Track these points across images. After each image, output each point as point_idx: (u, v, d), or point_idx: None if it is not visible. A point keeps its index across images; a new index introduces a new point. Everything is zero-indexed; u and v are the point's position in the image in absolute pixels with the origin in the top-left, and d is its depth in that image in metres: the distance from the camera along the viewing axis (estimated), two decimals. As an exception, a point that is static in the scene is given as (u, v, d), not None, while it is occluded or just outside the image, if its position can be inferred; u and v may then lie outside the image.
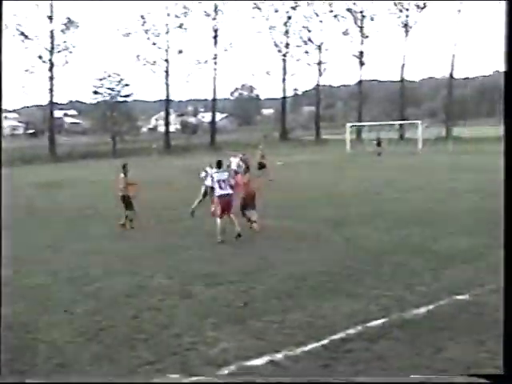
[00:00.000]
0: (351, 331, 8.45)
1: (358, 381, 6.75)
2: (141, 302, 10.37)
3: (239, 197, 16.98)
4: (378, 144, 52.91)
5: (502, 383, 5.20)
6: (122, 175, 18.28)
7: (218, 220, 15.55)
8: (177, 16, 79.25)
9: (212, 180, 16.45)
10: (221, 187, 15.67)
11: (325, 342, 8.08)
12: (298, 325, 8.81)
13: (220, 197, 15.68)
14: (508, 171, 5.43)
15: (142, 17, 78.92)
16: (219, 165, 16.25)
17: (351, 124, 68.52)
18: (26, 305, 10.45)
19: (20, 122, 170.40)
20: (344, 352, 7.70)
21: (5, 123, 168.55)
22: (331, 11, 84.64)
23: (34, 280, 12.24)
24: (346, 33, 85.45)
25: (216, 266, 12.77)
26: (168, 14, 79.00)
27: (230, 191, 15.73)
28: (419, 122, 62.35)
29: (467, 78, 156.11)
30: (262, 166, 31.48)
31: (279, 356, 7.63)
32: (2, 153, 15.66)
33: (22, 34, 71.99)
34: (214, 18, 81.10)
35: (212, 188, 16.58)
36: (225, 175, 15.89)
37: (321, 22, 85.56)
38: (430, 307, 9.46)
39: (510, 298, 5.22)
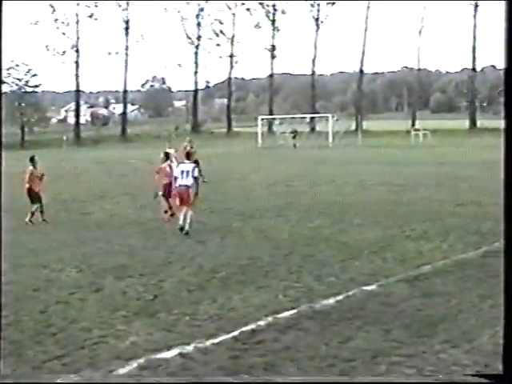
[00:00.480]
0: (261, 322, 8.51)
1: (358, 381, 6.75)
2: (49, 295, 10.10)
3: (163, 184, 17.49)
4: (294, 136, 53.53)
5: (502, 383, 5.26)
6: (31, 168, 17.72)
7: (180, 210, 15.38)
8: (87, 6, 77.61)
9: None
10: (182, 178, 15.42)
11: (235, 333, 8.10)
12: (208, 317, 8.80)
13: (179, 187, 15.46)
14: (508, 172, 5.33)
15: (51, 6, 76.92)
16: (188, 156, 16.18)
17: (263, 117, 69.04)
18: None
19: None
20: (254, 343, 7.75)
21: None
22: (243, 4, 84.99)
23: None
24: (257, 26, 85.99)
25: (126, 259, 12.61)
26: (78, 4, 77.27)
27: (189, 183, 15.45)
28: (330, 115, 63.48)
29: (376, 73, 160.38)
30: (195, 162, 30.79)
31: (189, 348, 7.60)
32: (2, 146, 15.35)
33: None
34: (126, 9, 79.95)
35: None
36: (189, 166, 15.61)
37: (233, 14, 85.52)
38: (339, 298, 9.63)
39: (510, 297, 5.26)
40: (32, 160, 17.85)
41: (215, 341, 7.85)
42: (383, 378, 6.76)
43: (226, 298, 9.72)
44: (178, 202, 15.55)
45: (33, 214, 17.45)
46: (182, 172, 15.47)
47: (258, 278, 10.96)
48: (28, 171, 17.70)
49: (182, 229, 15.09)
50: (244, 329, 8.26)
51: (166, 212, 17.58)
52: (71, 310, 9.30)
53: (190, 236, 14.89)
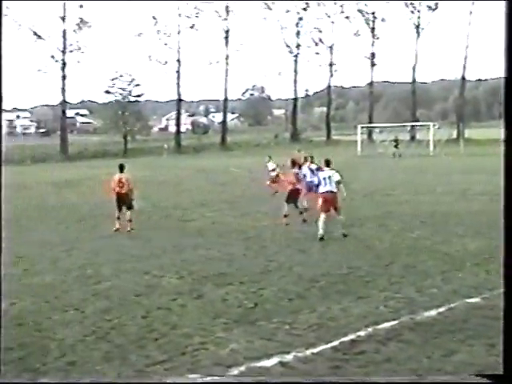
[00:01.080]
0: (361, 333, 8.40)
1: (358, 381, 6.75)
2: (151, 301, 10.36)
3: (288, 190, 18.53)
4: (396, 145, 52.53)
5: (502, 383, 5.22)
6: (120, 175, 18.13)
7: (322, 215, 15.60)
8: (188, 17, 79.40)
9: (314, 176, 17.77)
10: (325, 184, 15.84)
11: (335, 343, 8.03)
12: (308, 326, 8.76)
13: (325, 193, 15.83)
14: (508, 171, 5.45)
15: (154, 17, 79.13)
16: (328, 163, 16.47)
17: (362, 125, 68.31)
18: (36, 303, 10.47)
19: (32, 121, 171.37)
20: (354, 354, 7.65)
21: (17, 122, 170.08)
22: (342, 12, 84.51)
23: (44, 278, 12.27)
24: (357, 34, 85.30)
25: (226, 267, 12.76)
26: (179, 15, 79.15)
27: (334, 188, 15.87)
28: (431, 123, 62.08)
29: (479, 80, 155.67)
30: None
31: (289, 357, 7.58)
32: (2, 153, 15.98)
33: (35, 34, 72.29)
34: (226, 19, 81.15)
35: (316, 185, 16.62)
36: (330, 173, 15.97)
37: (332, 22, 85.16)
38: (441, 310, 9.38)
39: (510, 299, 5.25)
40: (121, 168, 18.36)
41: (315, 350, 7.80)
42: (383, 377, 6.80)
43: (326, 307, 9.66)
44: (323, 207, 15.75)
45: (129, 220, 17.89)
46: (324, 178, 15.88)
47: (358, 287, 10.83)
48: (116, 178, 18.16)
49: (321, 238, 15.32)
50: (344, 339, 8.17)
51: (285, 216, 18.07)
52: (172, 316, 9.49)
53: (289, 245, 14.93)
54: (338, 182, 15.91)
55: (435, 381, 6.56)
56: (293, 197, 18.51)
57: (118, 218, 17.95)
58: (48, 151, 71.83)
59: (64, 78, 74.01)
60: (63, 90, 75.05)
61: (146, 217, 20.51)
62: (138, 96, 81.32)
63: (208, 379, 7.10)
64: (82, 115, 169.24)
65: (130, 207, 18.01)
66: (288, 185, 18.81)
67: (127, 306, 10.10)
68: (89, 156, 69.86)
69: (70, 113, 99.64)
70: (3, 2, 7.13)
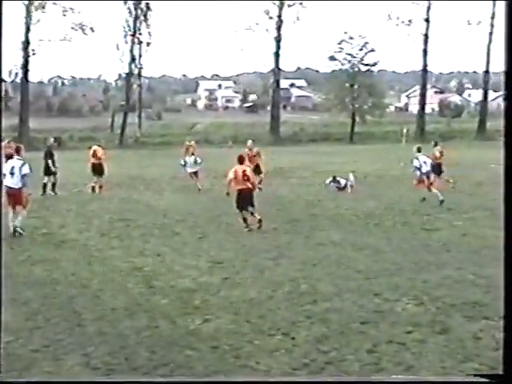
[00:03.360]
0: None
1: (358, 381, 7.22)
2: (380, 332, 10.39)
3: None
4: None
5: (501, 383, 5.94)
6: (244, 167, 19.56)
7: None
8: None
9: None
10: None
11: None
12: None
13: None
14: (508, 172, 6.30)
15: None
16: None
17: None
18: (235, 322, 10.94)
19: (236, 92, 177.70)
20: None
21: (218, 93, 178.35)
22: None
23: (247, 292, 12.78)
24: None
25: (481, 294, 12.44)
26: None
27: None
28: None
29: None
30: None
31: None
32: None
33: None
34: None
35: None
36: None
37: None
38: None
39: (510, 298, 6.09)
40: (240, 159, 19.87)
41: None
42: (383, 377, 7.51)
43: None
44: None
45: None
46: None
47: None
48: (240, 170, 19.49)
49: None
50: None
51: None
52: (406, 354, 9.44)
53: None
54: None
55: (434, 381, 7.13)
56: None
57: (245, 220, 19.30)
58: (254, 131, 74.56)
59: (278, 38, 76.21)
60: (277, 54, 77.39)
61: (377, 220, 20.62)
62: (372, 65, 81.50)
63: (209, 379, 7.56)
64: (298, 87, 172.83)
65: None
66: None
67: (349, 336, 10.21)
68: (305, 139, 71.61)
69: (283, 83, 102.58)
70: (3, 2, 7.73)
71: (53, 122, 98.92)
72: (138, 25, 79.22)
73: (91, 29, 76.84)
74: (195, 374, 8.62)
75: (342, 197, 27.16)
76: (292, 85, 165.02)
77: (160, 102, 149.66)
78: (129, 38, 79.85)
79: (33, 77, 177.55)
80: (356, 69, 79.72)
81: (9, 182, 18.36)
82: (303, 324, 10.82)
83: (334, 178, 29.36)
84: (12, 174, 18.36)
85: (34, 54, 75.89)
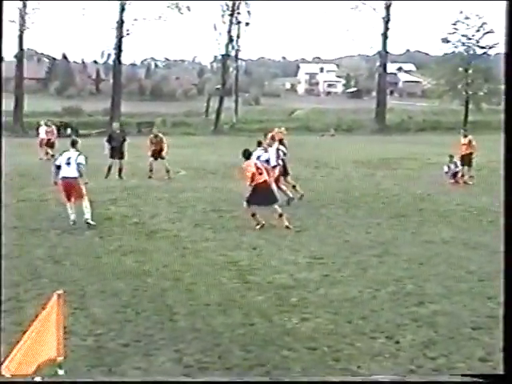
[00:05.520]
0: None
1: (358, 381, 7.30)
2: (494, 338, 10.20)
3: None
4: None
5: (501, 383, 6.23)
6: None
7: None
8: None
9: None
10: None
11: None
12: None
13: None
14: (508, 171, 6.65)
15: None
16: None
17: None
18: (335, 322, 10.93)
19: (338, 76, 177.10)
20: None
21: (320, 77, 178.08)
22: None
23: (348, 291, 12.74)
24: None
25: None
26: None
27: None
28: None
29: None
30: None
31: None
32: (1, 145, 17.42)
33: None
34: None
35: None
36: None
37: None
38: None
39: (510, 298, 6.41)
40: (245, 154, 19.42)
41: None
42: (383, 377, 7.66)
43: None
44: None
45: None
46: None
47: None
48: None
49: None
50: None
51: None
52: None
53: None
54: None
55: (434, 381, 7.25)
56: None
57: (253, 215, 19.02)
58: (358, 118, 74.30)
59: (387, 19, 75.55)
60: (384, 35, 76.81)
61: (492, 217, 20.31)
62: (489, 48, 79.77)
63: (209, 379, 7.64)
64: (406, 71, 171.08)
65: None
66: None
67: (459, 342, 10.09)
68: (413, 128, 70.99)
69: (390, 67, 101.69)
70: (3, 2, 7.82)
71: (145, 106, 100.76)
72: (236, 4, 79.65)
73: (187, 8, 77.78)
74: (292, 376, 8.65)
75: (454, 191, 26.79)
76: (400, 69, 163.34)
77: (258, 86, 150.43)
78: (227, 18, 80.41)
79: (125, 58, 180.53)
80: (471, 52, 78.22)
81: (66, 172, 19.18)
82: (409, 327, 10.74)
83: (451, 157, 29.22)
84: (68, 164, 19.21)
85: (127, 35, 77.28)
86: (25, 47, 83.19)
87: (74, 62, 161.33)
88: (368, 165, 35.64)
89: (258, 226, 18.82)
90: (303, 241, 17.25)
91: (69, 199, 19.27)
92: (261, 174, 19.03)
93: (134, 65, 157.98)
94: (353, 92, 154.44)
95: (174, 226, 19.24)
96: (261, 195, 18.81)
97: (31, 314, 10.42)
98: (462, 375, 7.75)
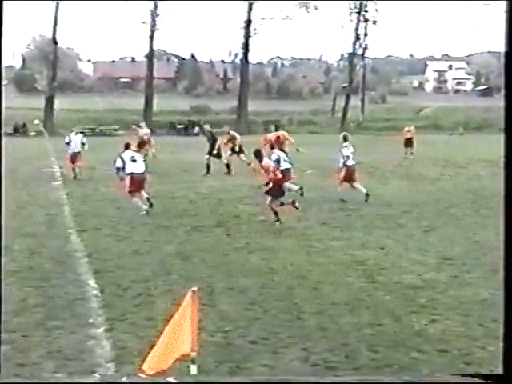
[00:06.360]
0: None
1: (358, 381, 7.01)
2: None
3: None
4: None
5: (501, 383, 6.07)
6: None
7: None
8: None
9: None
10: None
11: None
12: None
13: None
14: (508, 170, 6.51)
15: None
16: None
17: None
18: (466, 325, 10.72)
19: (469, 73, 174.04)
20: None
21: (448, 74, 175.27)
22: None
23: (481, 293, 12.45)
24: None
25: None
26: None
27: None
28: None
29: None
30: None
31: None
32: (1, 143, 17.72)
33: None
34: None
35: None
36: None
37: None
38: None
39: (510, 299, 6.32)
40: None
41: None
42: (383, 377, 7.70)
43: None
44: None
45: None
46: None
47: None
48: None
49: None
50: None
51: None
52: None
53: None
54: None
55: (433, 381, 7.11)
56: None
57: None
58: (488, 116, 72.71)
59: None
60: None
61: None
62: None
63: (208, 379, 7.49)
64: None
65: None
66: None
67: None
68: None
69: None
70: (3, 2, 7.81)
71: (271, 105, 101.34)
72: (364, 2, 79.24)
73: (315, 7, 77.86)
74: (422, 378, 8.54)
75: None
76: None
77: (384, 84, 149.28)
78: (354, 16, 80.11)
79: (252, 57, 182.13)
80: None
81: (133, 168, 20.64)
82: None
83: None
84: (134, 160, 20.71)
85: (255, 34, 77.90)
86: (155, 47, 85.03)
87: (202, 61, 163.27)
88: (498, 164, 34.88)
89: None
90: (431, 241, 17.01)
91: (137, 191, 20.89)
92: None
93: (260, 64, 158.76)
94: (483, 90, 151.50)
95: (301, 224, 19.26)
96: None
97: (162, 309, 10.70)
98: (462, 375, 7.64)
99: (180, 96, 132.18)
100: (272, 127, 30.95)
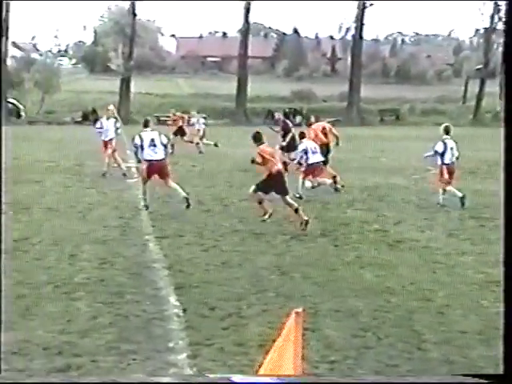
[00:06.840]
0: None
1: (358, 381, 7.21)
2: None
3: None
4: None
5: (501, 383, 6.41)
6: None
7: None
8: None
9: None
10: None
11: None
12: None
13: None
14: (508, 171, 7.48)
15: None
16: None
17: None
18: None
19: None
20: None
21: None
22: None
23: None
24: None
25: None
26: None
27: None
28: None
29: None
30: None
31: None
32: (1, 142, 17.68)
33: None
34: None
35: None
36: None
37: None
38: None
39: (510, 299, 7.19)
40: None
41: None
42: (383, 377, 8.46)
43: None
44: None
45: None
46: None
47: None
48: None
49: None
50: None
51: None
52: None
53: None
54: None
55: (432, 381, 7.13)
56: None
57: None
58: None
59: None
60: None
61: None
62: None
63: (208, 379, 7.15)
64: None
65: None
66: None
67: None
68: None
69: None
70: (3, 2, 7.76)
71: (389, 90, 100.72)
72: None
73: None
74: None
75: None
76: None
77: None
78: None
79: (367, 33, 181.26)
80: None
81: (151, 154, 21.21)
82: None
83: None
84: (154, 145, 21.13)
85: (371, 5, 77.54)
86: (251, 21, 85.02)
87: (306, 37, 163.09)
88: None
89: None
90: None
91: (164, 178, 21.66)
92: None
93: (376, 40, 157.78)
94: None
95: (423, 235, 19.10)
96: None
97: (255, 333, 10.72)
98: (463, 375, 8.28)
99: (279, 79, 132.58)
100: (312, 118, 30.34)
